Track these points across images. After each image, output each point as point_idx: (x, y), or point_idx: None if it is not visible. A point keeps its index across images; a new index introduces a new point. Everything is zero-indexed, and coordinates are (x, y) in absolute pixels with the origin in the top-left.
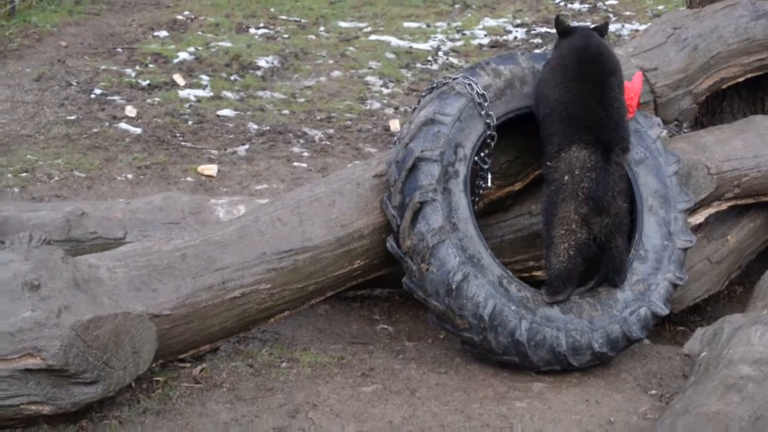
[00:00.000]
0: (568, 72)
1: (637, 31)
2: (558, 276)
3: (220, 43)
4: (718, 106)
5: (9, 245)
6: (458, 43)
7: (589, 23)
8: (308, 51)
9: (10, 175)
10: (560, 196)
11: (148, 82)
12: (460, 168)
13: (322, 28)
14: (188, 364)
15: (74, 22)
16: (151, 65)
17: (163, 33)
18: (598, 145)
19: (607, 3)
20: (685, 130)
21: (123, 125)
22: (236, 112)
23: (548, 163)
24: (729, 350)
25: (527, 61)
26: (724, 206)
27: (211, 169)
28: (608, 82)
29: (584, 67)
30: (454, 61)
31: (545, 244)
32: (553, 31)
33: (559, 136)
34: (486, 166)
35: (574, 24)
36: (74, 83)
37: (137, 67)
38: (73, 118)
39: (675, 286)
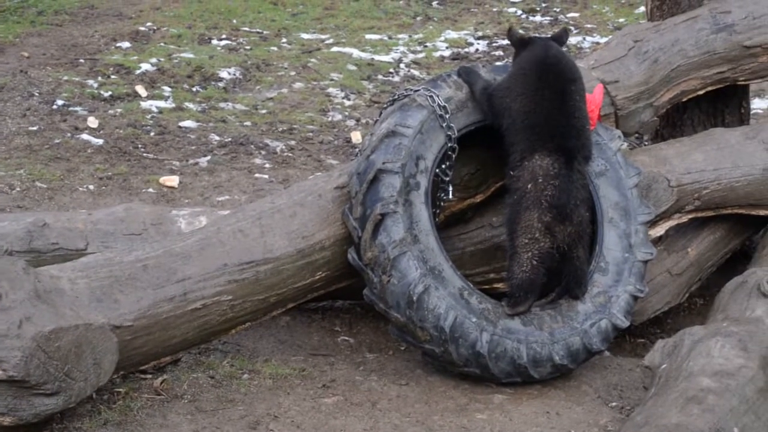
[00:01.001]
0: (529, 81)
1: (598, 43)
2: (520, 286)
3: (183, 55)
4: (679, 118)
5: None
6: (420, 55)
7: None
8: (270, 62)
9: None
10: (523, 204)
11: (110, 93)
12: (422, 180)
13: (284, 40)
14: (149, 376)
15: (37, 33)
16: (113, 76)
17: (126, 44)
18: (561, 153)
19: (568, 16)
20: (646, 143)
21: (85, 136)
22: (198, 124)
23: (511, 173)
24: (689, 362)
25: (489, 74)
26: (685, 219)
27: (172, 181)
28: (569, 90)
29: (545, 76)
30: (416, 73)
31: (508, 254)
32: None
33: (522, 145)
34: (447, 178)
35: (533, 35)
36: (36, 94)
37: (99, 78)
38: (35, 128)
39: (635, 298)
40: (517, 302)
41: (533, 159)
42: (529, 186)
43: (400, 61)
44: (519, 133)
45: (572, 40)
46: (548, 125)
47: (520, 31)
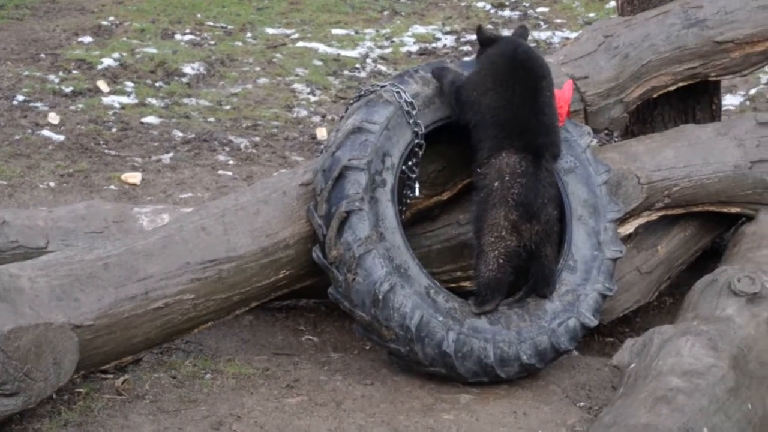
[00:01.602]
0: (499, 77)
1: (567, 38)
2: (487, 285)
3: (145, 50)
4: (649, 115)
5: None
6: (387, 51)
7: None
8: (235, 58)
9: None
10: (490, 202)
11: (71, 88)
12: (388, 177)
13: (248, 35)
14: (110, 376)
15: None
16: (74, 71)
17: (88, 39)
18: (529, 150)
19: (538, 10)
20: (616, 139)
21: (46, 132)
22: (161, 120)
23: (478, 170)
24: (658, 361)
25: (457, 68)
26: (654, 216)
27: (134, 177)
28: (539, 87)
29: (515, 72)
30: (383, 68)
31: (475, 253)
32: None
33: (490, 142)
34: (414, 175)
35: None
36: None
37: (61, 74)
38: None
39: (604, 296)
40: (484, 301)
41: (500, 156)
42: (496, 184)
43: (366, 56)
44: (487, 130)
45: (542, 35)
46: (517, 122)
47: (490, 28)
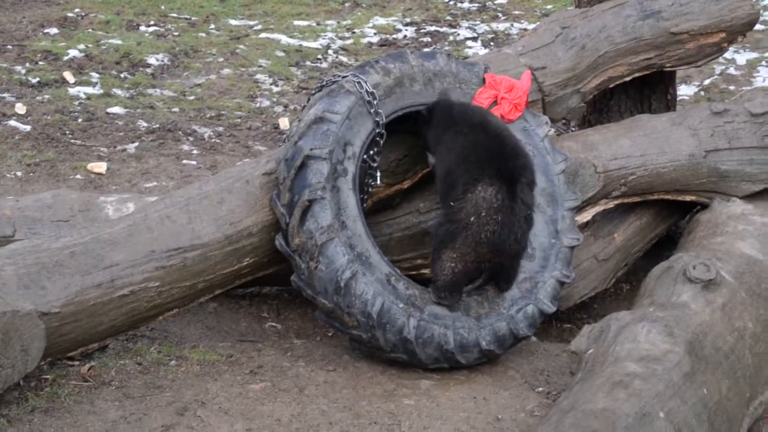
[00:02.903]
0: (463, 128)
1: (525, 30)
2: (444, 287)
3: (111, 41)
4: (606, 104)
5: None
6: (348, 42)
7: (478, 22)
8: (198, 49)
9: None
10: (462, 233)
11: (38, 79)
12: (349, 166)
13: (212, 26)
14: (77, 362)
15: None
16: (41, 62)
17: (54, 30)
18: (503, 177)
19: (496, 2)
20: (573, 129)
21: (12, 122)
22: (126, 110)
23: (452, 203)
24: (615, 347)
25: (417, 60)
26: (611, 204)
27: (100, 167)
28: (506, 134)
29: (477, 121)
30: (344, 59)
31: (432, 257)
32: (442, 29)
33: (464, 178)
34: (375, 164)
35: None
36: None
37: (27, 65)
38: None
39: (562, 283)
40: (442, 299)
41: (476, 190)
42: (472, 219)
43: (328, 47)
44: (459, 168)
45: (500, 26)
46: (489, 155)
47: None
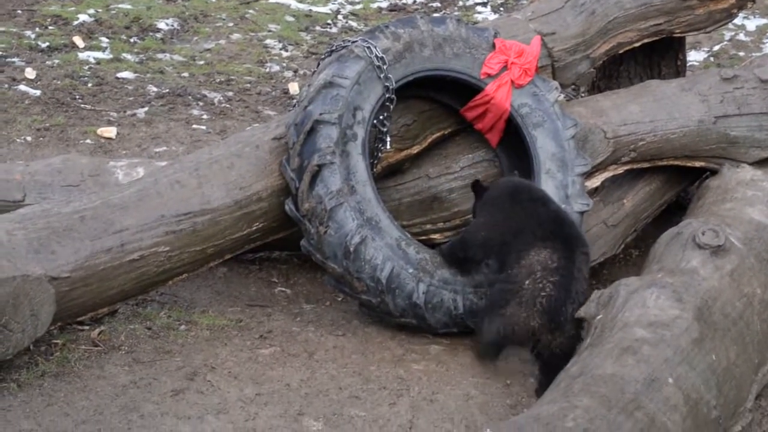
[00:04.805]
0: (506, 204)
1: None
2: (490, 343)
3: (120, 6)
4: (615, 70)
5: None
6: (358, 7)
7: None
8: (208, 14)
9: None
10: (515, 298)
11: (47, 44)
12: (359, 131)
13: None
14: (87, 327)
15: None
16: (50, 27)
17: None
18: (557, 240)
19: None
20: (583, 95)
21: (22, 87)
22: (136, 75)
23: (509, 271)
24: (624, 313)
25: (426, 25)
26: (621, 170)
27: (110, 132)
28: (550, 203)
29: (520, 195)
30: (354, 24)
31: (481, 312)
32: None
33: (517, 246)
34: (385, 129)
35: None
36: None
37: (37, 29)
38: None
39: None
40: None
41: (530, 255)
42: (527, 282)
43: (338, 12)
44: (511, 239)
45: None
46: (539, 222)
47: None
